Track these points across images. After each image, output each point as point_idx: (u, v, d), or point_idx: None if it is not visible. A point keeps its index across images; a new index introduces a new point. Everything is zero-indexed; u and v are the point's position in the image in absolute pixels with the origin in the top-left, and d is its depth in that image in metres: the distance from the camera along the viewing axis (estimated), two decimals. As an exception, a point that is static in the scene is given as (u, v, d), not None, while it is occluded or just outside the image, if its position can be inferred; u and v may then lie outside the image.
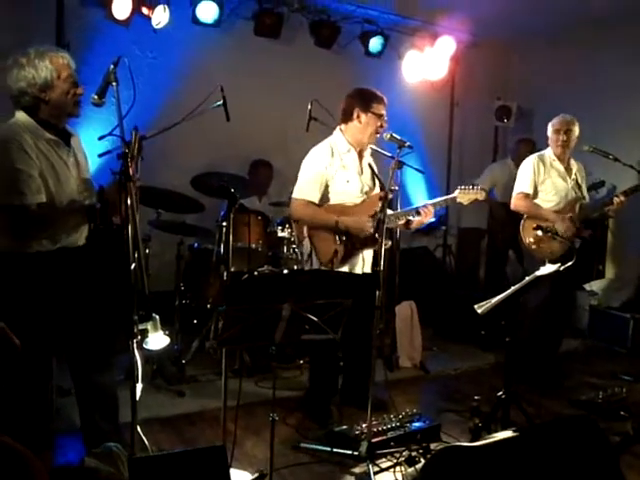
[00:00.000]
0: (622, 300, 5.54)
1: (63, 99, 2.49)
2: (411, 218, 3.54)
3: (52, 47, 2.61)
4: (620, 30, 5.42)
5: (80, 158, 2.68)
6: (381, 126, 3.45)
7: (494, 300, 3.06)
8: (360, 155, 3.55)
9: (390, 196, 3.09)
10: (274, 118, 5.32)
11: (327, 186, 3.45)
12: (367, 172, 3.55)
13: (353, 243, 3.45)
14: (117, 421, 2.76)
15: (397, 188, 3.41)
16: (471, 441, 3.01)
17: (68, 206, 2.52)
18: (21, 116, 2.48)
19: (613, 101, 5.57)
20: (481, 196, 3.63)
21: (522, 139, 6.02)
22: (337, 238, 3.42)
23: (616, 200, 4.17)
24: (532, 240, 4.18)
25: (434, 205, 3.56)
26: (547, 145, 4.38)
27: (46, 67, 2.43)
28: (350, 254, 3.46)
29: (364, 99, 3.47)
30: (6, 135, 2.40)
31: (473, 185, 3.68)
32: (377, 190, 3.51)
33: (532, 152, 4.60)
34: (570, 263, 3.30)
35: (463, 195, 3.61)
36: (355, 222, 3.40)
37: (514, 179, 4.44)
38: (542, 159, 4.33)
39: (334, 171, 3.44)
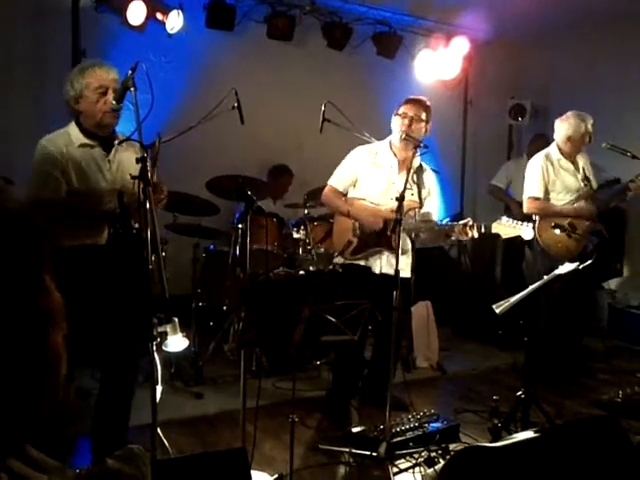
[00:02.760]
0: (641, 298, 5.48)
1: (92, 108, 2.63)
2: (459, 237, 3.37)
3: (95, 61, 2.77)
4: (638, 26, 5.36)
5: (124, 162, 2.73)
6: (406, 125, 3.43)
7: (512, 299, 3.04)
8: (403, 162, 3.52)
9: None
10: (288, 120, 5.34)
11: (357, 180, 3.60)
12: (404, 179, 3.26)
13: (366, 240, 3.50)
14: (126, 426, 2.77)
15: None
16: (491, 442, 2.99)
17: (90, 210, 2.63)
18: (70, 124, 2.69)
19: (631, 98, 5.50)
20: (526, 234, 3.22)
21: (538, 135, 5.97)
22: (354, 231, 3.53)
23: (633, 185, 4.09)
24: (550, 240, 4.14)
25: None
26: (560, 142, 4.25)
27: (78, 81, 2.62)
28: (361, 250, 3.52)
29: (398, 105, 3.55)
30: (43, 140, 2.62)
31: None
32: (411, 198, 3.38)
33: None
34: (590, 261, 3.27)
35: (500, 227, 3.25)
36: (369, 214, 3.46)
37: None
38: (549, 159, 4.23)
39: (363, 166, 3.58)
